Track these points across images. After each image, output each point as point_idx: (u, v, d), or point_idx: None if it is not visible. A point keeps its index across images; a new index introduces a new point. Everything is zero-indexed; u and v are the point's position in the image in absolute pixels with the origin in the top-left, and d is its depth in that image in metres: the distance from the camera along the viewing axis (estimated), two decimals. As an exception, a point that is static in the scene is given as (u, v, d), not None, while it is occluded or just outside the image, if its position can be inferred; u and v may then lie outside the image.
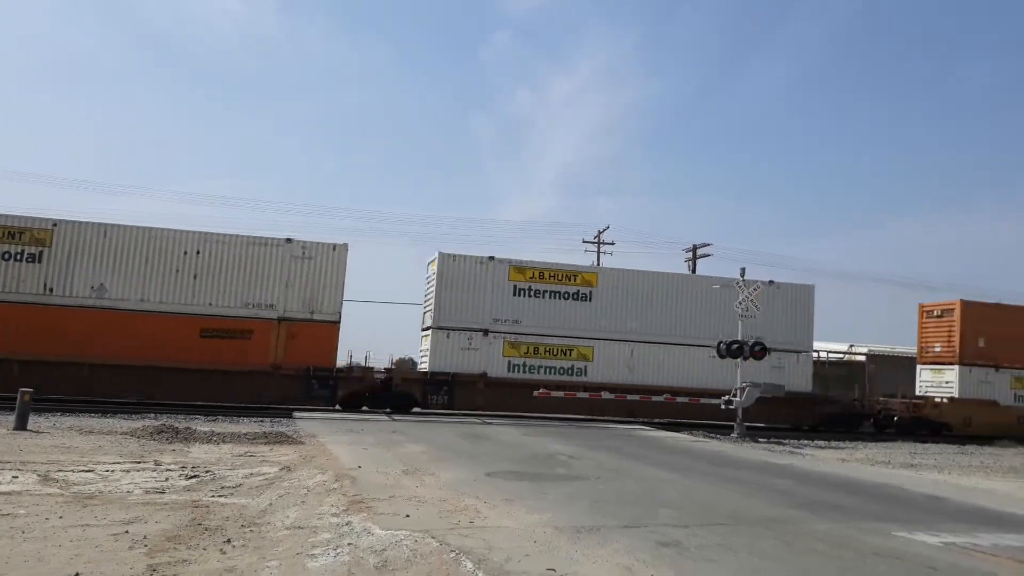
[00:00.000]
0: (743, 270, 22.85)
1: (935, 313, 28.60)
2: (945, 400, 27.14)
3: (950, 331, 27.89)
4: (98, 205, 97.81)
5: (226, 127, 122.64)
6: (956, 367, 27.58)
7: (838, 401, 27.07)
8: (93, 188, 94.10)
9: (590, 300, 24.74)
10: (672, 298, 25.42)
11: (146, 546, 6.33)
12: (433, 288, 23.79)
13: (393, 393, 22.77)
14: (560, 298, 24.54)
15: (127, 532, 6.75)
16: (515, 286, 24.18)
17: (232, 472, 10.38)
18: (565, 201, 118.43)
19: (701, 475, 12.62)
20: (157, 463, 10.91)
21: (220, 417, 18.48)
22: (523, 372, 23.89)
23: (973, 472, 15.94)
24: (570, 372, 24.30)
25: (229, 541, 6.60)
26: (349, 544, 6.46)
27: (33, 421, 14.93)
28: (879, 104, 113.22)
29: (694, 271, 42.06)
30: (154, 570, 5.68)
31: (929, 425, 26.55)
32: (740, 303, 22.18)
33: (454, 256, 23.86)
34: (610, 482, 11.08)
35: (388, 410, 22.52)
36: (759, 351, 21.71)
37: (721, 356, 22.39)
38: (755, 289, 22.48)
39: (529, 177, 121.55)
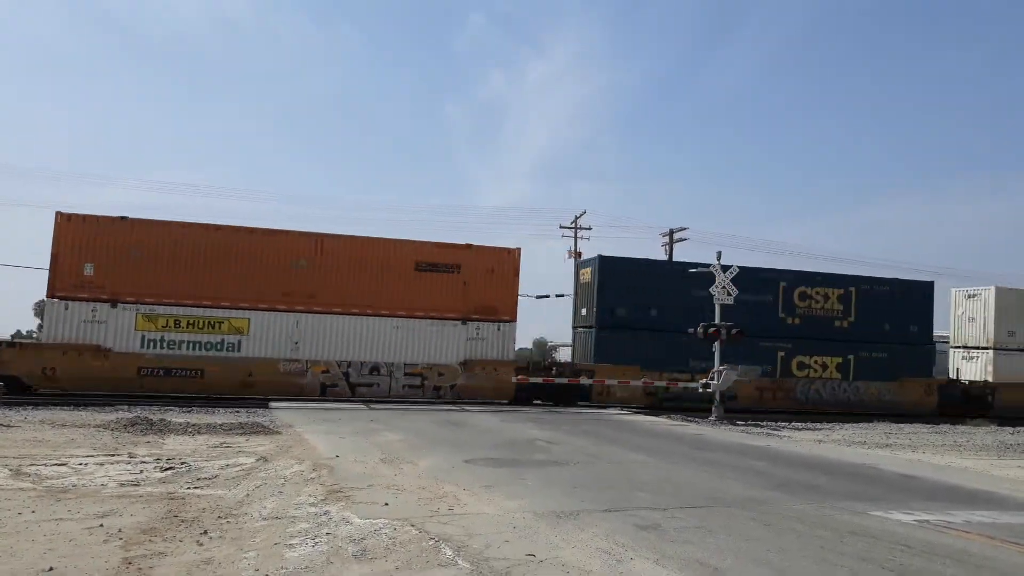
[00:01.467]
0: (719, 253, 22.93)
1: None
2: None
3: None
4: (66, 196, 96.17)
5: (191, 115, 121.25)
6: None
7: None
8: (61, 177, 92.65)
9: None
10: None
11: (121, 539, 6.24)
12: None
13: None
14: None
15: (102, 525, 6.66)
16: None
17: (208, 463, 10.28)
18: (542, 186, 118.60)
19: (679, 458, 12.69)
20: (131, 455, 10.77)
21: (195, 408, 18.30)
22: None
23: (947, 451, 16.19)
24: None
25: (206, 532, 6.53)
26: (327, 533, 6.42)
27: (3, 415, 14.70)
28: (858, 85, 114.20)
29: (671, 256, 41.89)
30: (129, 563, 5.61)
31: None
32: (716, 287, 22.29)
33: None
34: (589, 467, 11.11)
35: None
36: (736, 334, 21.84)
37: (699, 340, 22.48)
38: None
39: (505, 163, 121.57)
